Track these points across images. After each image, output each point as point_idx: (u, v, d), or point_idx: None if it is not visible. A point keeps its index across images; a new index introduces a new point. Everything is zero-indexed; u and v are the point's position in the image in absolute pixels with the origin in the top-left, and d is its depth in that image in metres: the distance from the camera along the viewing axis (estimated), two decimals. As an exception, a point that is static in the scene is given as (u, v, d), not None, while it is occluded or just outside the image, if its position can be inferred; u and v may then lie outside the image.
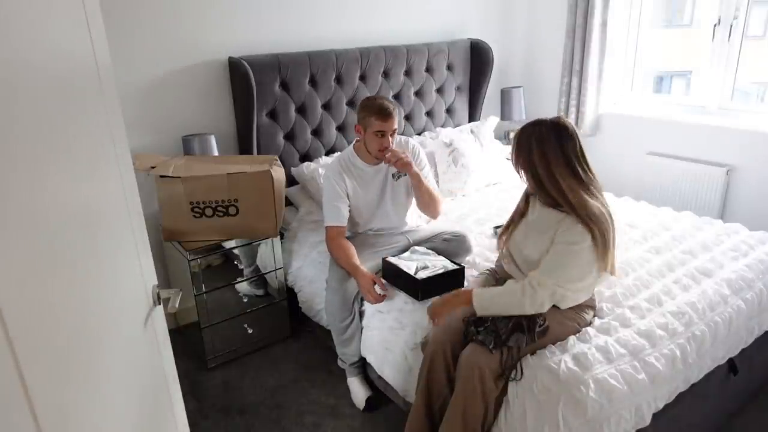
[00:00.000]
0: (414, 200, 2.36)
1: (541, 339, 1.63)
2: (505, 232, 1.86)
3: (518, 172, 1.71)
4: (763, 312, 1.99)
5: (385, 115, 2.10)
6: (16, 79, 0.66)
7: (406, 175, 2.28)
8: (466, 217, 2.71)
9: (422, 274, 1.98)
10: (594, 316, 1.81)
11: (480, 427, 1.61)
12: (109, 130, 1.00)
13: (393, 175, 2.29)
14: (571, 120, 3.43)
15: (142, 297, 1.10)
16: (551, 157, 1.60)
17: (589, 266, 1.63)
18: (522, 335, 1.61)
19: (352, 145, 2.31)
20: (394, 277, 2.06)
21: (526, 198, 1.81)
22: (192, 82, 2.56)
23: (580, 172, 1.61)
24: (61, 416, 0.69)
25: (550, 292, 1.61)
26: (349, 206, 2.25)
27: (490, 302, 1.65)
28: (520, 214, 1.82)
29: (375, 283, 2.05)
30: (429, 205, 2.31)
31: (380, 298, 2.03)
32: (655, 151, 3.26)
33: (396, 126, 2.15)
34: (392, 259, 2.10)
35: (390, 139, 2.14)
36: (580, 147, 1.63)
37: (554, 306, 1.70)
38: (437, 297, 1.84)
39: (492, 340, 1.60)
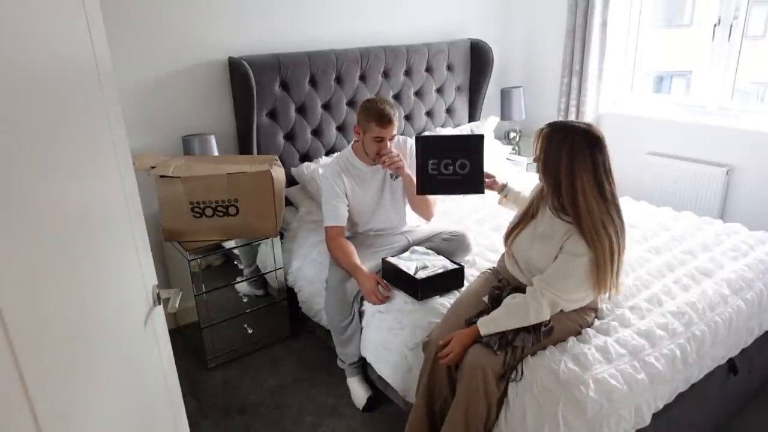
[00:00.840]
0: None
1: (546, 338, 1.63)
2: (512, 232, 1.83)
3: (538, 173, 1.68)
4: (763, 312, 1.99)
5: (385, 122, 2.09)
6: (15, 79, 0.66)
7: None
8: (466, 217, 2.71)
9: (422, 274, 1.98)
10: (595, 317, 1.81)
11: (482, 428, 1.61)
12: (109, 131, 1.00)
13: (391, 176, 2.29)
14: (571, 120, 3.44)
15: (142, 297, 1.10)
16: (579, 168, 1.55)
17: (588, 280, 1.62)
18: (528, 335, 1.61)
19: (350, 145, 2.31)
20: (394, 277, 2.06)
21: (541, 198, 1.76)
22: (192, 82, 2.56)
23: (606, 186, 1.57)
24: (61, 416, 0.69)
25: (550, 301, 1.61)
26: (348, 206, 2.25)
27: (495, 324, 1.64)
28: (530, 216, 1.78)
29: (378, 284, 2.05)
30: (421, 207, 2.31)
31: (384, 299, 2.03)
32: (655, 151, 3.26)
33: (395, 132, 2.15)
34: (392, 259, 2.10)
35: (389, 143, 2.14)
36: (609, 161, 1.59)
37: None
38: (440, 336, 1.73)
39: (497, 341, 1.60)
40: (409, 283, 1.99)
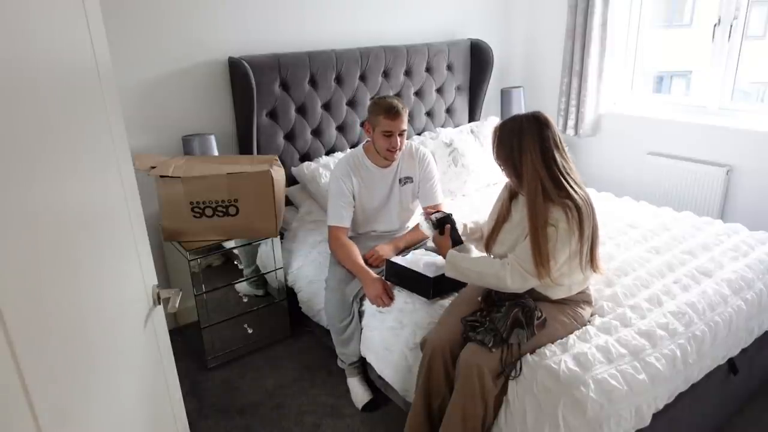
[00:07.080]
0: (419, 207, 2.38)
1: (540, 330, 1.64)
2: (491, 237, 1.84)
3: (500, 166, 1.73)
4: (763, 312, 1.99)
5: (393, 114, 2.09)
6: (16, 79, 0.66)
7: (413, 181, 2.29)
8: (466, 217, 2.70)
9: (433, 273, 1.96)
10: (592, 314, 1.81)
11: (480, 427, 1.61)
12: (109, 130, 1.00)
13: (400, 180, 2.29)
14: (571, 120, 3.45)
15: (142, 297, 1.10)
16: (530, 145, 1.63)
17: (563, 248, 1.60)
18: (522, 330, 1.61)
19: (362, 145, 2.31)
20: (400, 277, 2.05)
21: (510, 199, 1.81)
22: (192, 82, 2.56)
23: (559, 159, 1.64)
24: (61, 416, 0.69)
25: (511, 266, 1.64)
26: (354, 206, 2.25)
27: (462, 264, 1.73)
28: (503, 218, 1.81)
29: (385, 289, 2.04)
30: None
31: (389, 304, 2.02)
32: (655, 151, 3.26)
33: (404, 127, 2.14)
34: (398, 259, 2.09)
35: (399, 139, 2.14)
36: (559, 137, 1.67)
37: (549, 300, 1.72)
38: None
39: (491, 339, 1.61)
40: (419, 282, 1.97)
